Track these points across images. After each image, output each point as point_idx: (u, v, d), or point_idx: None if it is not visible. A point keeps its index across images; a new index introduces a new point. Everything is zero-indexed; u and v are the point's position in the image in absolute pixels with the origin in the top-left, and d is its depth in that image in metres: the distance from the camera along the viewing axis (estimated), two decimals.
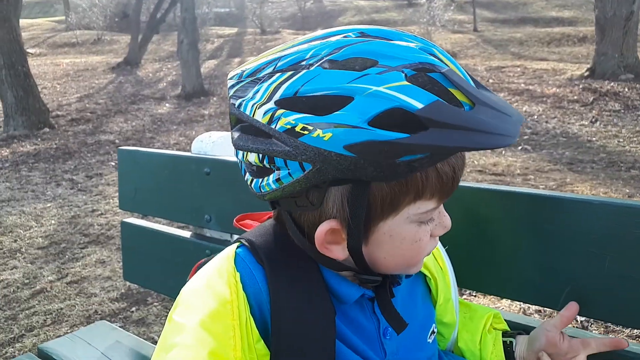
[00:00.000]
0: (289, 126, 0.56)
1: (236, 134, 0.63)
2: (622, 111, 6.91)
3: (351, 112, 0.53)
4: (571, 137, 6.15)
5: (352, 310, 0.69)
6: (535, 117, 7.11)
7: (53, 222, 4.24)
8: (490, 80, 9.24)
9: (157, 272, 1.50)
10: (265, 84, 0.59)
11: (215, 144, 1.43)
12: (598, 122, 6.60)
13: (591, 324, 2.36)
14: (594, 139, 6.01)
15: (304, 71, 0.56)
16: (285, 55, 0.59)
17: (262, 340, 0.62)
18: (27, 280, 3.20)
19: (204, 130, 7.76)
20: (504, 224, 0.90)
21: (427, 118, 0.53)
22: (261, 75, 0.60)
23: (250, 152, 0.60)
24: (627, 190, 4.25)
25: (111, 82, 12.34)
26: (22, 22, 13.93)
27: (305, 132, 0.55)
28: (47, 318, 2.73)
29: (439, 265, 0.83)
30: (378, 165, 0.54)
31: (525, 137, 6.31)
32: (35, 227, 4.15)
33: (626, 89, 7.69)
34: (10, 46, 7.97)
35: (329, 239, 0.62)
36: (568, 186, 4.42)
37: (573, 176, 4.74)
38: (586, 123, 6.64)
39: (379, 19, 20.22)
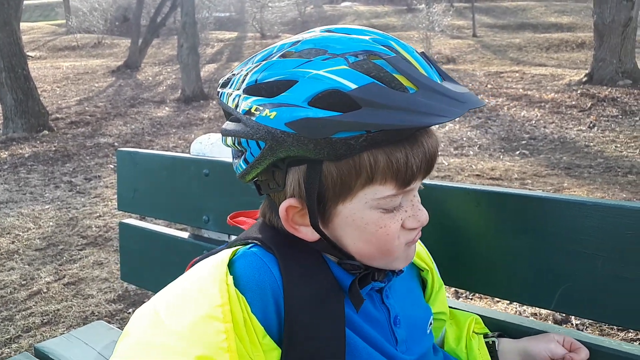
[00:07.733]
0: (247, 108, 0.63)
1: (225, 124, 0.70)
2: (620, 117, 6.92)
3: (293, 93, 0.59)
4: (569, 142, 6.16)
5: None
6: (533, 122, 7.13)
7: (51, 223, 4.24)
8: (489, 86, 9.26)
9: (154, 273, 1.50)
10: (237, 76, 0.68)
11: (214, 146, 1.43)
12: (596, 128, 6.61)
13: (586, 327, 2.36)
14: (591, 144, 6.02)
15: (266, 62, 0.64)
16: (259, 53, 0.67)
17: (269, 336, 0.62)
18: (24, 282, 3.20)
19: (203, 134, 7.76)
20: (496, 225, 0.91)
21: (359, 98, 0.57)
22: (237, 71, 0.69)
23: (228, 135, 0.67)
24: (624, 195, 4.25)
25: (111, 86, 12.34)
26: (23, 25, 13.92)
27: (257, 113, 0.61)
28: (43, 319, 2.73)
29: (428, 257, 0.86)
30: (317, 143, 0.58)
31: (523, 141, 6.32)
32: (33, 228, 4.15)
33: (624, 95, 7.71)
34: (11, 49, 7.99)
35: (296, 219, 0.67)
36: (565, 191, 4.43)
37: (570, 181, 4.75)
38: (584, 128, 6.65)
39: (378, 24, 20.26)
